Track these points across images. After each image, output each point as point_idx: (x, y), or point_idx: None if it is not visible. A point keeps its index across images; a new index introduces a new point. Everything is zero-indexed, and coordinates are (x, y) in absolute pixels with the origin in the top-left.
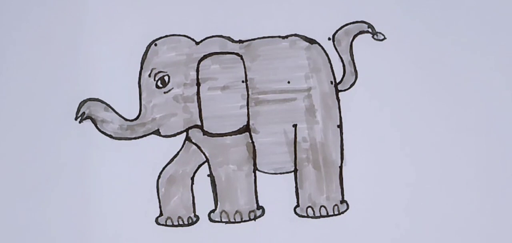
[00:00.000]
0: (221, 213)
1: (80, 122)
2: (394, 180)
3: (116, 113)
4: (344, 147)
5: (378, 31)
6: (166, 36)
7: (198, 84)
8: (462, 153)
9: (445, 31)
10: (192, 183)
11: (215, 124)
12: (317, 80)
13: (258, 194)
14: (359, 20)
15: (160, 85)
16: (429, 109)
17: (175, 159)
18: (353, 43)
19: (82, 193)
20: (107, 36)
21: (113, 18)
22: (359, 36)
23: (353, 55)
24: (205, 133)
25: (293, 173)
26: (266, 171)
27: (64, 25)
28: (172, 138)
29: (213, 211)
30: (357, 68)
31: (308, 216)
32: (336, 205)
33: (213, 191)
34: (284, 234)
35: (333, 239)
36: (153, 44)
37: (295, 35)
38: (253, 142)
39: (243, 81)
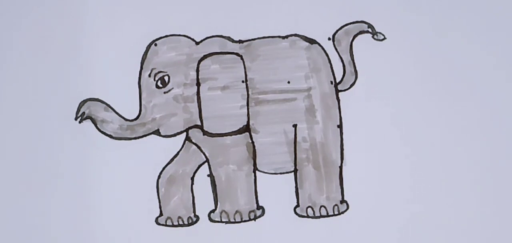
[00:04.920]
0: (221, 213)
1: (80, 122)
2: (394, 180)
3: (116, 113)
4: (344, 147)
5: (378, 31)
6: (166, 36)
7: (198, 84)
8: (462, 153)
9: (445, 31)
10: (192, 183)
11: (215, 124)
12: (317, 80)
13: (258, 194)
14: (359, 20)
15: (160, 85)
16: (429, 109)
17: (175, 159)
18: (353, 43)
19: (82, 193)
20: (107, 36)
21: (113, 18)
22: (359, 36)
23: (353, 55)
24: (205, 133)
25: (293, 173)
26: (266, 171)
27: (64, 25)
28: (172, 138)
29: (213, 211)
30: (357, 68)
31: (308, 216)
32: (336, 205)
33: (213, 191)
34: (284, 234)
35: (333, 239)
36: (153, 44)
37: (295, 35)
38: (253, 142)
39: (243, 81)
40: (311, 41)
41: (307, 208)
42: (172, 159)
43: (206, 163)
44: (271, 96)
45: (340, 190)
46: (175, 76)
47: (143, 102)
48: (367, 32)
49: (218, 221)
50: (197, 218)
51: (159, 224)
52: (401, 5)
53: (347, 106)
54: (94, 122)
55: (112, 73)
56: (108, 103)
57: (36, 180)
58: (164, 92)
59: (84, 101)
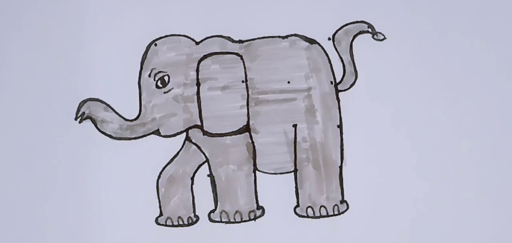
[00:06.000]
0: (221, 213)
1: (80, 122)
2: (394, 180)
3: (116, 113)
4: (344, 147)
5: (378, 31)
6: (166, 36)
7: (198, 84)
8: (463, 152)
9: (445, 30)
10: (192, 183)
11: (215, 124)
12: (317, 80)
13: (258, 194)
14: (359, 20)
15: (160, 85)
16: (429, 108)
17: (175, 159)
18: (353, 43)
19: (82, 193)
20: (107, 36)
21: (113, 18)
22: (359, 36)
23: (353, 55)
24: (205, 133)
25: (293, 173)
26: (266, 171)
27: (64, 25)
28: (172, 138)
29: (213, 211)
30: (357, 68)
31: (308, 216)
32: (336, 205)
33: (213, 191)
34: (284, 234)
35: (333, 239)
36: (153, 44)
37: (295, 35)
38: (253, 142)
39: (243, 81)
40: (311, 41)
41: (307, 208)
42: (172, 159)
43: (206, 163)
44: (271, 96)
45: (340, 190)
46: (175, 76)
47: (143, 102)
48: (367, 32)
49: (218, 221)
50: (197, 218)
51: (159, 224)
52: (401, 5)
53: (347, 106)
54: (94, 122)
55: (112, 73)
56: (108, 103)
57: (36, 180)
58: (164, 92)
59: (84, 101)
